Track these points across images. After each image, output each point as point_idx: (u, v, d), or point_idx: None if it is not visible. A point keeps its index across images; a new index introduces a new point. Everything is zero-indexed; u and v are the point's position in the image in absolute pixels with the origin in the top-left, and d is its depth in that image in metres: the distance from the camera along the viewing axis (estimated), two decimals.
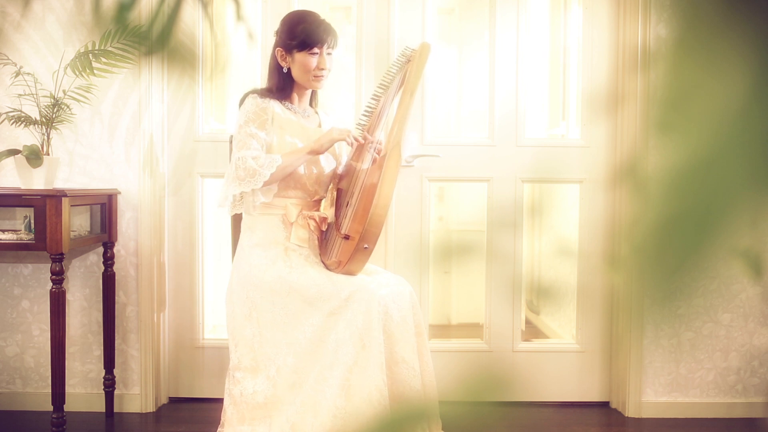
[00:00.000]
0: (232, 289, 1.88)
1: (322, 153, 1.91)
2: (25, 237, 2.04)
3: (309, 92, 2.03)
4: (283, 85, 1.95)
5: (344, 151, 2.10)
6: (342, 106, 2.90)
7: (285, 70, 1.94)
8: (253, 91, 1.95)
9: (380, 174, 1.78)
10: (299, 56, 1.90)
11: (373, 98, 1.97)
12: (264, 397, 1.76)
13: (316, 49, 1.89)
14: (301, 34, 1.88)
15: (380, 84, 1.97)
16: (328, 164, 1.98)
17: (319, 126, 2.04)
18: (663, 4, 2.09)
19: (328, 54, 1.93)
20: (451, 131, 3.46)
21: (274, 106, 1.91)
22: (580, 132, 2.52)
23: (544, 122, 3.09)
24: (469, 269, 3.34)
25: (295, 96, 1.99)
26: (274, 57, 1.96)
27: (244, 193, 1.84)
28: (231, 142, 2.04)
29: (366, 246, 1.77)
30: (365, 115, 1.97)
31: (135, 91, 2.39)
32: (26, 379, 2.43)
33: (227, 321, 1.89)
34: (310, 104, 2.06)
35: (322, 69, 1.92)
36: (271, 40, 2.00)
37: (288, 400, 1.74)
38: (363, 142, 1.89)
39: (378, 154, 1.87)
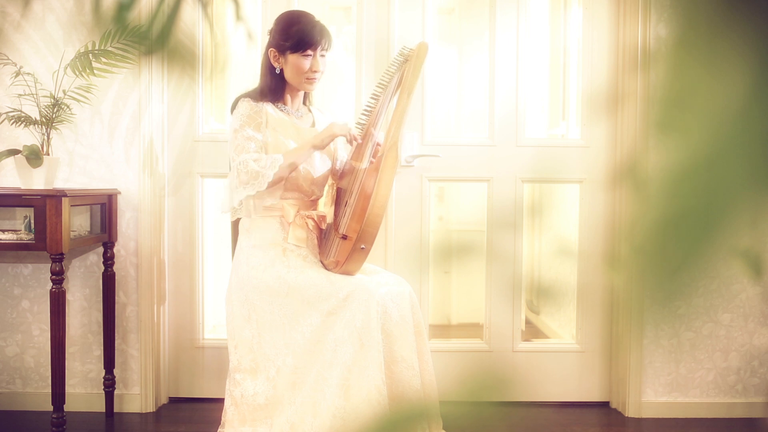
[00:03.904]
0: (231, 291, 1.89)
1: (323, 148, 1.91)
2: (25, 237, 2.04)
3: (302, 92, 2.03)
4: (275, 87, 1.94)
5: (340, 146, 2.10)
6: (341, 105, 2.90)
7: (278, 71, 1.93)
8: (246, 95, 1.94)
9: (377, 175, 1.78)
10: (292, 58, 1.89)
11: (372, 97, 1.97)
12: (265, 398, 1.76)
13: (309, 51, 1.88)
14: (294, 36, 1.87)
15: (379, 83, 1.96)
16: (323, 164, 1.98)
17: (313, 125, 2.04)
18: (663, 4, 2.08)
19: (322, 56, 1.92)
20: (451, 131, 3.46)
21: (267, 108, 1.92)
22: (580, 132, 2.52)
23: (544, 122, 3.09)
24: (469, 269, 3.34)
25: (288, 97, 1.98)
26: (266, 57, 1.95)
27: (248, 196, 1.84)
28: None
29: (363, 246, 1.78)
30: (365, 115, 1.96)
31: (135, 91, 2.39)
32: (26, 379, 2.43)
33: (227, 323, 1.89)
34: (303, 103, 2.06)
35: (315, 71, 1.91)
36: None
37: (288, 400, 1.74)
38: (361, 141, 1.90)
39: (376, 154, 1.87)
